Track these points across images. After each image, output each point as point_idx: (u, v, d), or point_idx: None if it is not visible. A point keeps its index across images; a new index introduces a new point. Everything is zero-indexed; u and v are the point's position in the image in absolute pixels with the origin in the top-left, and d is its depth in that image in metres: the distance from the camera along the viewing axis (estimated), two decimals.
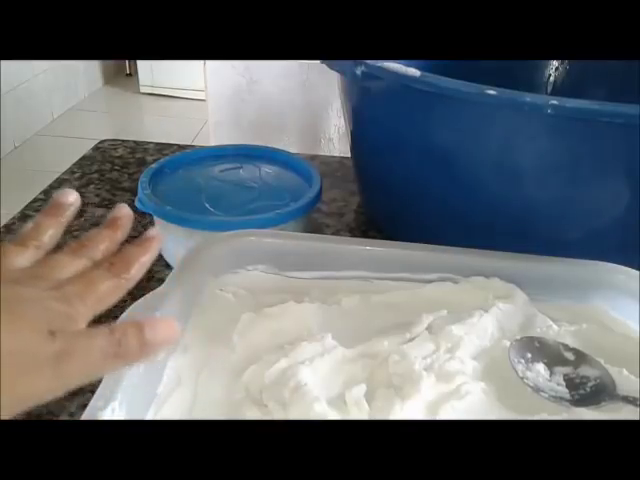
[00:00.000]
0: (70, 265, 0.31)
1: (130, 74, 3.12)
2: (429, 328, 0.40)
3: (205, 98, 1.15)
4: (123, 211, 0.33)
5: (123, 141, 0.81)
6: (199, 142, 2.31)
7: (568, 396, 0.36)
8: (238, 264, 0.44)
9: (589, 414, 0.34)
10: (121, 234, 0.33)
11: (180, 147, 0.78)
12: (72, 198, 0.33)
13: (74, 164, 0.74)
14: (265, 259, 0.45)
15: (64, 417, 0.41)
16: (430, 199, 0.53)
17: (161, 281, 0.39)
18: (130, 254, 0.31)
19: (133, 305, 0.37)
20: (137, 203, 0.50)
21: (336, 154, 1.02)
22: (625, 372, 0.37)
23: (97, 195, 0.67)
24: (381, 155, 0.56)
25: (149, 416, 0.33)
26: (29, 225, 0.32)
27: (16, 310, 0.27)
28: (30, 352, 0.26)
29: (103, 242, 0.32)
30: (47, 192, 0.67)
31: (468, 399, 0.35)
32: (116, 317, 0.36)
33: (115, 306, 0.52)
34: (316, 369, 0.36)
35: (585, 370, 0.37)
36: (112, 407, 0.30)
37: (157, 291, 0.38)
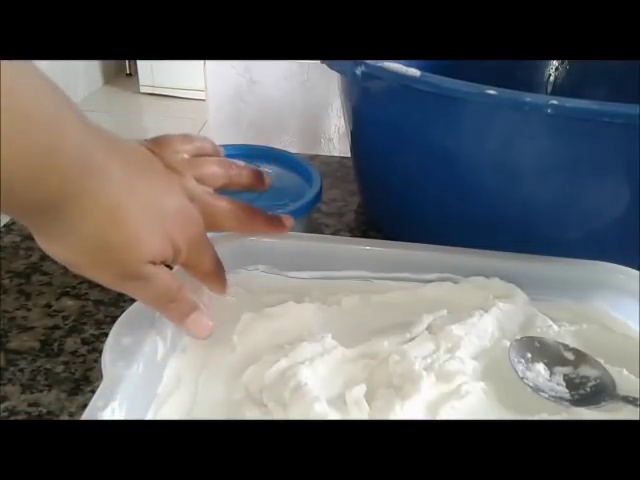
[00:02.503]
0: (219, 178, 0.40)
1: (130, 74, 3.12)
2: (429, 328, 0.40)
3: (205, 98, 1.15)
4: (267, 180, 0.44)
5: None
6: None
7: (568, 396, 0.36)
8: (238, 264, 0.44)
9: (589, 414, 0.34)
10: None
11: None
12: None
13: None
14: (265, 259, 0.45)
15: (64, 417, 0.41)
16: (430, 199, 0.53)
17: None
18: (263, 221, 0.41)
19: (133, 305, 0.37)
20: None
21: (336, 154, 1.02)
22: (625, 372, 0.37)
23: None
24: (381, 155, 0.56)
25: (149, 416, 0.33)
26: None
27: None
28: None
29: (247, 178, 0.42)
30: None
31: (468, 399, 0.35)
32: (116, 317, 0.36)
33: (114, 306, 0.52)
34: (316, 369, 0.36)
35: (585, 370, 0.37)
36: (112, 407, 0.30)
37: None
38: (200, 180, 0.38)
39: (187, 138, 0.40)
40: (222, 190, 0.42)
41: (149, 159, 0.35)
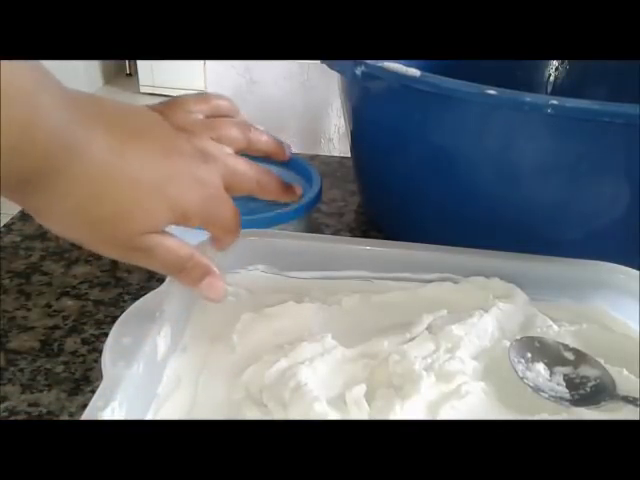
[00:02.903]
0: (237, 141, 0.38)
1: (130, 74, 3.12)
2: (429, 328, 0.40)
3: None
4: (288, 151, 0.42)
5: None
6: None
7: (568, 396, 0.36)
8: (238, 264, 0.44)
9: (589, 414, 0.34)
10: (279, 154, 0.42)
11: None
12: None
13: None
14: (265, 259, 0.45)
15: (64, 417, 0.41)
16: (430, 199, 0.53)
17: (161, 281, 0.39)
18: (277, 187, 0.40)
19: (133, 305, 0.37)
20: None
21: (336, 154, 1.02)
22: (625, 372, 0.37)
23: None
24: (381, 155, 0.56)
25: (149, 416, 0.33)
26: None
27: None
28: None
29: (267, 144, 0.40)
30: None
31: (468, 399, 0.35)
32: (116, 317, 0.36)
33: (114, 306, 0.52)
34: (316, 369, 0.36)
35: (585, 370, 0.37)
36: (112, 407, 0.30)
37: (157, 291, 0.38)
38: (217, 142, 0.37)
39: (202, 98, 0.38)
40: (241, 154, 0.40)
41: (150, 122, 0.33)
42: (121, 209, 0.30)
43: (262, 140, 0.40)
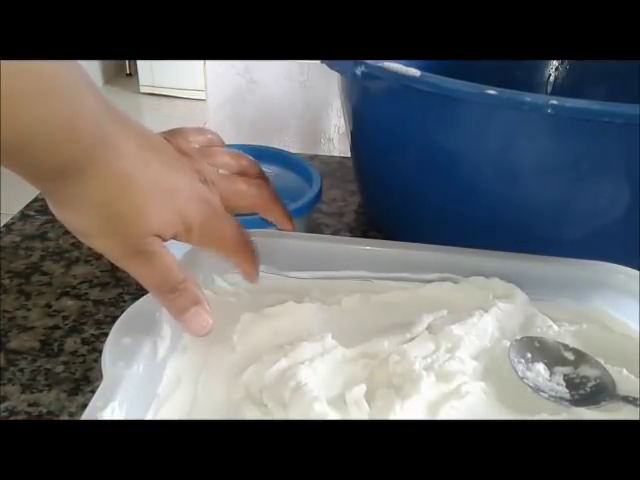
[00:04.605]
0: (231, 167, 0.40)
1: (130, 74, 3.12)
2: (429, 328, 0.40)
3: (205, 98, 1.15)
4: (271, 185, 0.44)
5: None
6: None
7: (568, 396, 0.36)
8: None
9: (589, 414, 0.34)
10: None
11: None
12: None
13: None
14: (265, 259, 0.45)
15: (64, 417, 0.41)
16: (430, 199, 0.53)
17: None
18: (279, 207, 0.43)
19: (133, 305, 0.37)
20: None
21: (336, 154, 1.02)
22: (625, 372, 0.37)
23: None
24: (381, 155, 0.56)
25: (149, 416, 0.33)
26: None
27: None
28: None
29: (256, 171, 0.42)
30: None
31: (468, 399, 0.35)
32: (116, 317, 0.36)
33: (114, 306, 0.52)
34: (316, 369, 0.36)
35: (585, 370, 0.37)
36: (112, 407, 0.30)
37: None
38: (213, 167, 0.39)
39: (200, 131, 0.41)
40: None
41: (161, 141, 0.36)
42: (140, 206, 0.32)
43: (251, 166, 0.43)
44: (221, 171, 0.40)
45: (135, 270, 0.33)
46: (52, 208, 0.32)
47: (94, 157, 0.30)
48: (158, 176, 0.33)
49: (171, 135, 0.38)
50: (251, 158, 0.44)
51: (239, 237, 0.38)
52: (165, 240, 0.34)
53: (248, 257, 0.39)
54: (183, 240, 0.35)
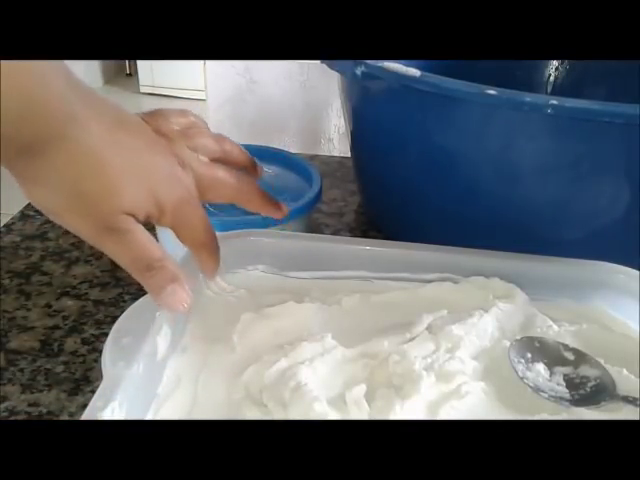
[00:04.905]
0: (212, 151, 0.39)
1: (130, 74, 3.12)
2: (429, 328, 0.40)
3: (205, 98, 1.15)
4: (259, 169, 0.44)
5: None
6: None
7: (568, 396, 0.36)
8: (238, 264, 0.44)
9: (589, 414, 0.34)
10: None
11: None
12: None
13: None
14: (265, 259, 0.45)
15: (64, 417, 0.41)
16: (430, 199, 0.53)
17: None
18: (260, 197, 0.42)
19: (133, 305, 0.37)
20: None
21: (336, 154, 1.02)
22: (625, 372, 0.37)
23: None
24: (381, 155, 0.56)
25: (149, 416, 0.33)
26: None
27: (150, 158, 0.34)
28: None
29: (240, 156, 0.42)
30: None
31: (468, 399, 0.35)
32: (116, 317, 0.36)
33: (114, 306, 0.52)
34: (316, 369, 0.36)
35: (585, 370, 0.37)
36: (112, 407, 0.30)
37: None
38: (194, 150, 0.39)
39: (182, 112, 0.40)
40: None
41: (137, 122, 0.35)
42: (111, 184, 0.32)
43: (235, 152, 0.42)
44: (202, 158, 0.39)
45: (109, 248, 0.33)
46: (22, 188, 0.31)
47: (62, 134, 0.30)
48: (130, 155, 0.33)
49: (151, 116, 0.37)
50: (236, 143, 0.43)
51: (208, 230, 0.38)
52: (139, 220, 0.33)
53: (213, 253, 0.39)
54: (155, 222, 0.35)
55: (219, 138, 0.41)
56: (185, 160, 0.37)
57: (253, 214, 0.50)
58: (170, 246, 0.50)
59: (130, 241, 0.33)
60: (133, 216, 0.33)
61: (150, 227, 0.34)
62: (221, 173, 0.39)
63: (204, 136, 0.40)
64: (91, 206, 0.32)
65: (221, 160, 0.40)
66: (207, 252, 0.38)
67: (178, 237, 0.37)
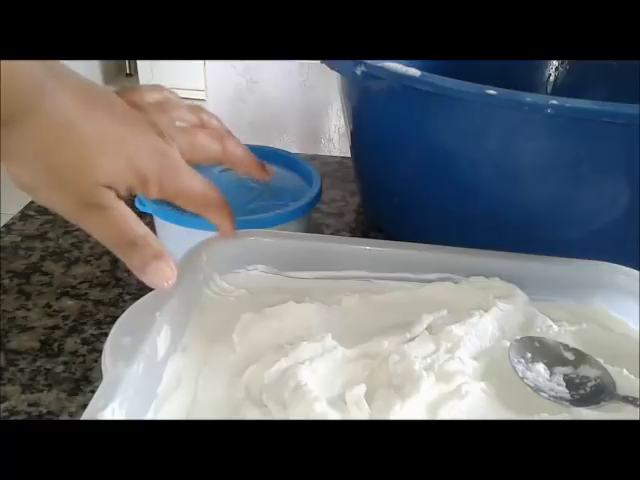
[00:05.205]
0: (188, 122, 0.39)
1: (130, 74, 3.12)
2: (429, 328, 0.40)
3: (205, 98, 1.15)
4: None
5: None
6: None
7: (568, 396, 0.36)
8: (238, 264, 0.44)
9: (589, 414, 0.34)
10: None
11: None
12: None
13: None
14: (265, 259, 0.45)
15: (64, 417, 0.41)
16: (430, 199, 0.53)
17: None
18: (246, 157, 0.42)
19: (133, 305, 0.37)
20: (137, 203, 0.50)
21: (336, 154, 1.02)
22: (625, 372, 0.37)
23: None
24: (381, 155, 0.56)
25: (149, 416, 0.33)
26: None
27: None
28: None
29: (215, 131, 0.41)
30: None
31: (468, 399, 0.35)
32: (116, 317, 0.36)
33: (114, 306, 0.52)
34: (316, 369, 0.36)
35: (585, 370, 0.37)
36: (112, 407, 0.29)
37: (157, 291, 0.38)
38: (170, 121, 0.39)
39: (155, 88, 0.40)
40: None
41: (109, 95, 0.35)
42: (86, 156, 0.31)
43: (214, 121, 0.42)
44: (180, 124, 0.38)
45: (89, 225, 0.32)
46: (3, 166, 0.31)
47: (32, 106, 0.29)
48: (103, 127, 0.32)
49: (124, 91, 0.37)
50: (212, 113, 0.42)
51: (208, 191, 0.37)
52: (120, 194, 0.33)
53: (221, 212, 0.38)
54: (140, 193, 0.34)
55: (194, 108, 0.41)
56: (164, 129, 0.36)
57: (253, 214, 0.50)
58: (171, 245, 0.50)
59: (111, 217, 0.32)
60: (114, 190, 0.32)
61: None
62: (202, 137, 0.39)
63: (179, 107, 0.39)
64: (68, 179, 0.31)
65: (199, 130, 0.40)
66: (214, 212, 0.38)
67: (180, 205, 0.37)
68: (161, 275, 0.33)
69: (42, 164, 0.31)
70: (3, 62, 0.27)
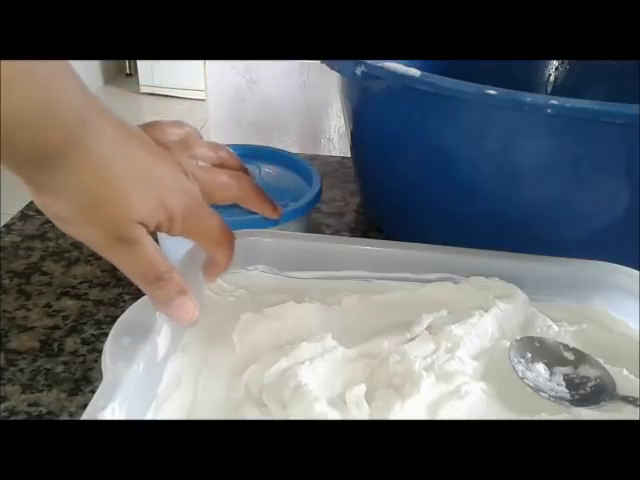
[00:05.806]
0: (210, 158, 0.41)
1: (130, 74, 3.12)
2: (429, 328, 0.40)
3: (205, 98, 1.15)
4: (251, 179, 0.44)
5: None
6: None
7: (568, 396, 0.36)
8: (238, 264, 0.44)
9: (589, 414, 0.34)
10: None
11: None
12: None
13: None
14: (265, 259, 0.45)
15: (64, 417, 0.41)
16: (430, 199, 0.53)
17: None
18: (260, 196, 0.44)
19: (133, 305, 0.37)
20: None
21: (336, 154, 1.02)
22: (625, 372, 0.37)
23: None
24: (381, 155, 0.56)
25: (149, 416, 0.33)
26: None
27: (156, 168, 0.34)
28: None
29: (235, 163, 0.43)
30: None
31: (468, 399, 0.35)
32: (116, 317, 0.36)
33: (114, 306, 0.52)
34: (316, 369, 0.36)
35: (585, 370, 0.37)
36: (112, 407, 0.30)
37: None
38: (193, 159, 0.40)
39: (177, 124, 0.41)
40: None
41: (141, 132, 0.35)
42: (122, 192, 0.31)
43: (232, 158, 0.43)
44: (200, 163, 0.40)
45: (119, 259, 0.33)
46: (32, 196, 0.31)
47: (74, 142, 0.29)
48: (140, 163, 0.33)
49: (146, 128, 0.37)
50: (230, 150, 0.44)
51: (223, 230, 0.38)
52: (149, 230, 0.33)
53: (228, 251, 0.39)
54: (165, 231, 0.35)
55: (214, 146, 0.42)
56: (188, 168, 0.37)
57: (253, 214, 0.50)
58: (171, 244, 0.50)
59: (140, 252, 0.32)
60: (145, 226, 0.33)
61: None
62: (223, 176, 0.41)
63: (200, 145, 0.41)
64: (102, 214, 0.31)
65: (218, 166, 0.42)
66: (223, 251, 0.39)
67: (194, 241, 0.38)
68: (185, 310, 0.34)
69: (78, 199, 0.31)
70: (44, 99, 0.27)
